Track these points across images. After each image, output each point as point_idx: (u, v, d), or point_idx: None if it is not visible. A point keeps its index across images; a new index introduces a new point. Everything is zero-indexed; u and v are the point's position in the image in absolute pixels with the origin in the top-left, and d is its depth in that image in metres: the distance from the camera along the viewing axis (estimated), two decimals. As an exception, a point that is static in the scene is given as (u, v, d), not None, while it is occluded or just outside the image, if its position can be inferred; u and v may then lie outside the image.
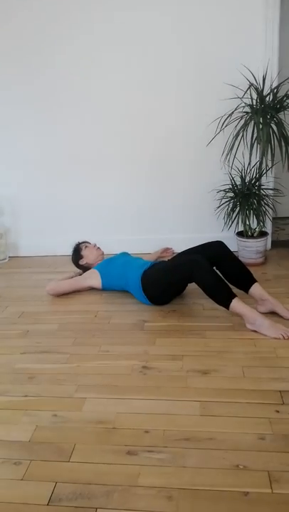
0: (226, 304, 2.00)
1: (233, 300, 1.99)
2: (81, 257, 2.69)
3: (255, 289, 2.17)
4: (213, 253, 2.24)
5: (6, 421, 1.50)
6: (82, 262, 2.68)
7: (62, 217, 3.41)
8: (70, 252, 2.78)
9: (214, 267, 2.23)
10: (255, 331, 1.99)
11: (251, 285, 2.17)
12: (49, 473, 1.26)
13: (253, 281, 2.18)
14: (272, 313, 2.14)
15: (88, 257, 2.68)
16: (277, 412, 1.46)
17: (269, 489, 1.17)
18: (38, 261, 3.38)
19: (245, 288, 2.19)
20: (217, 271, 2.22)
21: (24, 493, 1.20)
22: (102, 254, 2.72)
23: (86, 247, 2.72)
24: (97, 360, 1.86)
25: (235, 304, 1.99)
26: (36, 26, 2.98)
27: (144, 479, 1.22)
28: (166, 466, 1.27)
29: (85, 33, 2.96)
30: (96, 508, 1.14)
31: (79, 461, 1.30)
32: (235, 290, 2.09)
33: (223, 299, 2.01)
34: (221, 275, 2.09)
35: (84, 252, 2.70)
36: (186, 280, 2.19)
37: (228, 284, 2.20)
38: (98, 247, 2.74)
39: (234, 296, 2.00)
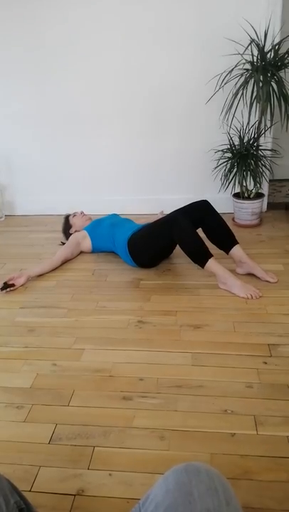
0: (202, 263, 2.06)
1: (210, 260, 2.04)
2: (70, 226, 2.72)
3: (236, 250, 2.21)
4: (197, 212, 2.23)
5: (8, 369, 1.58)
6: (71, 230, 2.70)
7: (58, 176, 3.40)
8: (65, 211, 2.79)
9: (199, 227, 2.25)
10: (227, 290, 2.07)
11: (232, 246, 2.21)
12: (50, 416, 1.35)
13: (235, 242, 2.21)
14: (250, 275, 2.20)
15: (76, 224, 2.71)
16: (265, 363, 1.54)
17: (254, 431, 1.26)
18: (34, 220, 3.40)
19: (227, 249, 2.23)
20: (200, 229, 2.25)
21: (27, 433, 1.30)
22: (89, 218, 2.75)
23: (74, 215, 2.76)
24: (94, 315, 1.93)
25: (211, 264, 2.04)
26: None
27: (139, 421, 1.31)
28: (159, 410, 1.36)
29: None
30: (94, 447, 1.24)
31: (78, 405, 1.39)
32: (216, 251, 2.17)
33: (200, 258, 2.06)
34: (200, 234, 2.10)
35: (72, 220, 2.73)
36: (167, 238, 2.18)
37: (211, 243, 2.24)
38: (84, 214, 2.78)
39: (210, 255, 2.05)
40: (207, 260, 2.04)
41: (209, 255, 2.05)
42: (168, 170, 3.26)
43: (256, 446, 1.21)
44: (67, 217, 2.78)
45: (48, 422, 1.33)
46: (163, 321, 1.85)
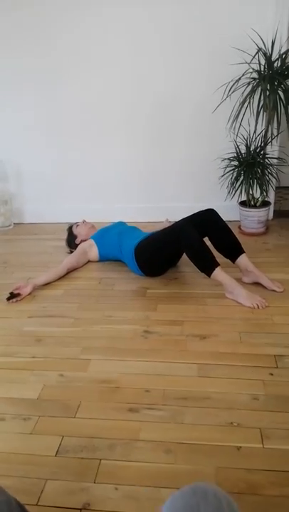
0: (209, 272, 2.05)
1: (216, 268, 2.04)
2: (75, 237, 2.73)
3: (242, 259, 2.20)
4: (204, 222, 2.24)
5: (15, 380, 1.60)
6: (77, 241, 2.71)
7: (66, 184, 3.42)
8: (73, 219, 2.80)
9: (205, 235, 2.25)
10: (233, 300, 2.07)
11: (239, 255, 2.21)
12: (56, 428, 1.36)
13: (241, 251, 2.21)
14: (256, 284, 2.20)
15: (80, 233, 2.72)
16: (271, 374, 1.54)
17: (260, 444, 1.26)
18: (42, 228, 3.42)
19: (233, 258, 2.23)
20: (207, 238, 2.25)
21: (33, 445, 1.30)
22: (92, 226, 2.77)
23: (77, 226, 2.77)
24: (101, 325, 1.94)
25: (217, 273, 2.04)
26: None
27: (145, 434, 1.32)
28: (166, 422, 1.36)
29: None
30: (100, 460, 1.24)
31: (84, 417, 1.40)
32: (222, 259, 2.17)
33: (206, 267, 2.06)
34: (206, 243, 2.09)
35: (76, 231, 2.74)
36: (174, 247, 2.19)
37: (217, 252, 2.24)
38: (86, 222, 2.79)
39: (217, 264, 2.05)
40: (214, 269, 2.04)
41: (216, 264, 2.05)
42: (175, 178, 3.27)
43: (262, 460, 1.21)
44: (70, 229, 2.79)
45: (54, 434, 1.34)
46: (169, 331, 1.85)
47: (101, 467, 1.22)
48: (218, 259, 2.08)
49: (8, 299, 2.18)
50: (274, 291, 2.13)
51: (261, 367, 1.59)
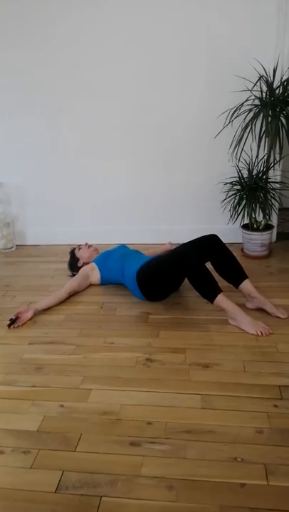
0: (211, 299, 2.04)
1: (219, 295, 2.02)
2: (78, 260, 2.74)
3: (245, 285, 2.19)
4: (206, 246, 2.24)
5: (15, 410, 1.57)
6: (79, 263, 2.72)
7: (69, 206, 3.44)
8: (76, 242, 2.80)
9: (208, 261, 2.25)
10: (236, 326, 2.05)
11: (242, 281, 2.20)
12: (56, 462, 1.33)
13: (244, 277, 2.20)
14: (260, 310, 2.18)
15: (83, 256, 2.73)
16: (276, 406, 1.51)
17: (265, 481, 1.23)
18: (44, 250, 3.43)
19: (236, 283, 2.22)
20: (209, 263, 2.25)
21: (33, 481, 1.27)
22: (95, 249, 2.77)
23: (80, 248, 2.78)
24: (102, 352, 1.92)
25: (220, 299, 2.02)
26: (40, 18, 2.97)
27: (147, 469, 1.29)
28: (168, 457, 1.33)
29: (91, 20, 2.93)
30: (101, 497, 1.21)
31: (85, 450, 1.37)
32: (225, 284, 2.17)
33: (209, 293, 2.04)
34: (208, 269, 2.08)
35: (79, 254, 2.75)
36: (176, 271, 2.16)
37: (220, 277, 2.23)
38: (89, 245, 2.80)
39: (220, 291, 2.03)
40: (216, 296, 2.03)
41: (218, 291, 2.04)
42: (177, 201, 3.29)
43: (267, 498, 1.18)
44: (72, 251, 2.79)
45: (54, 468, 1.31)
46: (171, 359, 1.83)
47: (102, 505, 1.18)
48: (220, 283, 2.07)
49: (9, 325, 2.16)
50: (278, 317, 2.11)
51: (265, 398, 1.56)
